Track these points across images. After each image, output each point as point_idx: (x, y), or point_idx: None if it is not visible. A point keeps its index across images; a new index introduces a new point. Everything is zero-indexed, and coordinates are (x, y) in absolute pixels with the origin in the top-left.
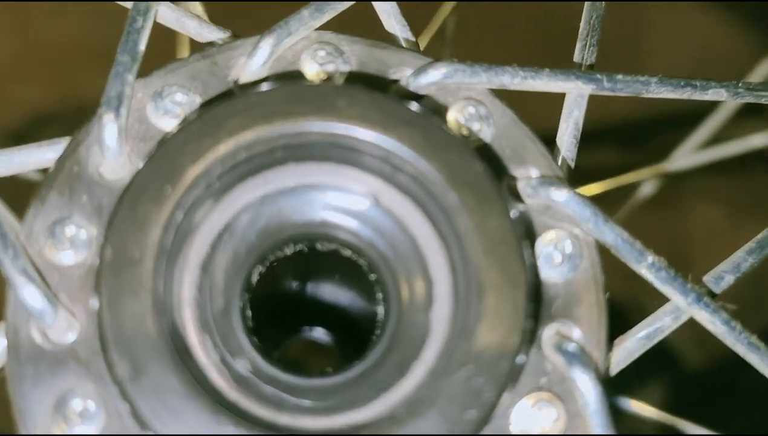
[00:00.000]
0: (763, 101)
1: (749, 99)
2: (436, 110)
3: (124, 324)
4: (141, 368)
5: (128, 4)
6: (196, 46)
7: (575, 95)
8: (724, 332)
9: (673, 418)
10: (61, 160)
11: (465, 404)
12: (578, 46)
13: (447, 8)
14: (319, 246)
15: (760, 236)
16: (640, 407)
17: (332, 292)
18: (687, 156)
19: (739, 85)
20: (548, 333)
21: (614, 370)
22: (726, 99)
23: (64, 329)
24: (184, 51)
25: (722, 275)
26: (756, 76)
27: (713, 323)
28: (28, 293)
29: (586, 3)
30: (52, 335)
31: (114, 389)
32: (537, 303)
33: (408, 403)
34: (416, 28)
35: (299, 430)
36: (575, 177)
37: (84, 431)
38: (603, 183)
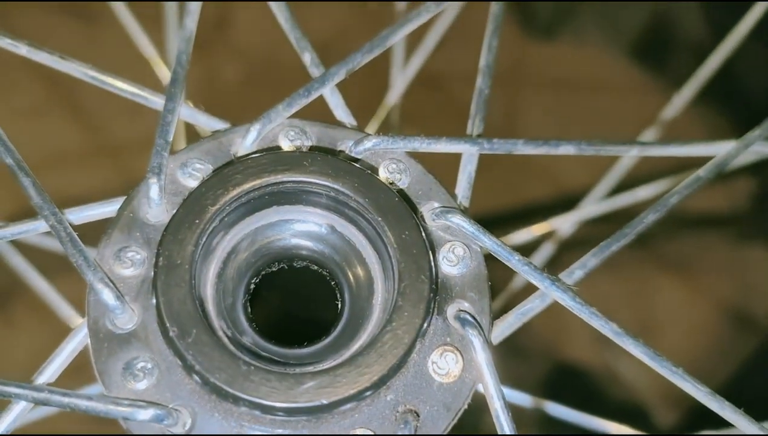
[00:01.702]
0: (601, 153)
1: (590, 152)
2: (370, 167)
3: (173, 304)
4: (186, 331)
5: (160, 106)
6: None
7: (467, 155)
8: (572, 305)
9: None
10: (121, 210)
11: (393, 345)
12: (470, 122)
13: (391, 102)
14: (295, 263)
15: (602, 243)
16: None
17: (306, 294)
18: (594, 204)
19: (582, 143)
20: (451, 309)
21: (500, 337)
22: (573, 153)
23: (128, 319)
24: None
25: (573, 271)
26: (659, 122)
27: (564, 299)
28: (106, 295)
29: (475, 91)
30: (119, 323)
31: (164, 354)
32: (441, 290)
33: (355, 352)
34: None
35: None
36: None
37: (146, 383)
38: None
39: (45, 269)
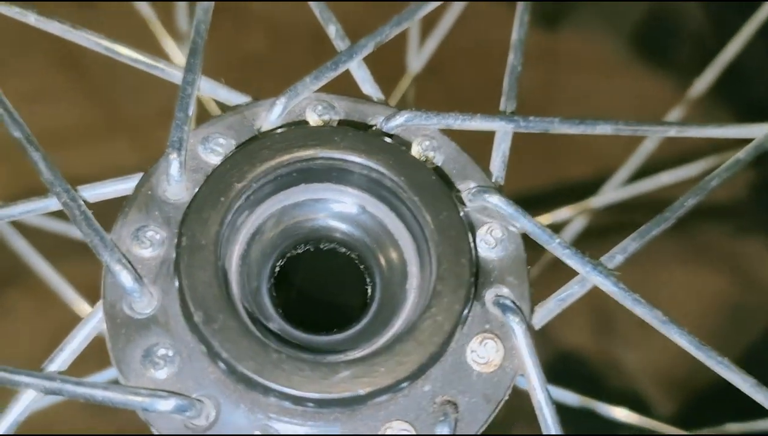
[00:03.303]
0: (638, 134)
1: (627, 132)
2: (403, 144)
3: (198, 288)
4: (212, 316)
5: (179, 78)
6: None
7: (501, 132)
8: (615, 292)
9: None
10: (138, 187)
11: (432, 332)
12: (503, 99)
13: (407, 80)
14: (322, 246)
15: (642, 227)
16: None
17: (333, 278)
18: (611, 192)
19: (619, 122)
20: (489, 295)
21: (540, 323)
22: (610, 133)
23: (146, 303)
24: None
25: (614, 256)
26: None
27: (606, 285)
28: (123, 276)
29: (507, 68)
30: (138, 307)
31: (187, 340)
32: (479, 274)
33: (391, 340)
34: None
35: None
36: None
37: (167, 371)
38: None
39: (48, 254)
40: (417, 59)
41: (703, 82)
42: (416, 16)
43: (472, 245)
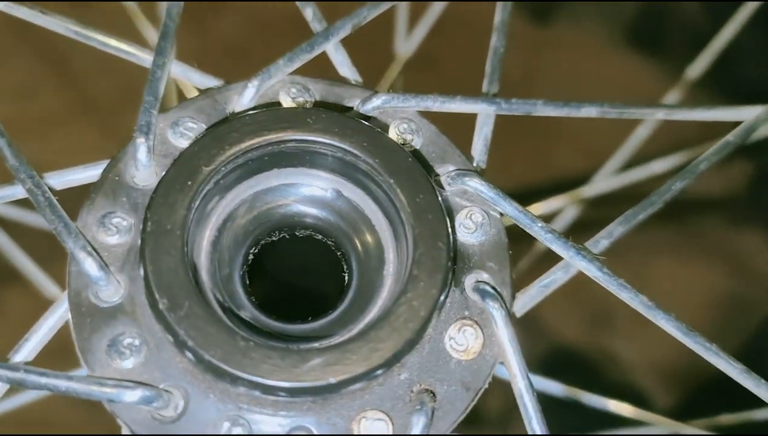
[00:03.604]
0: (624, 117)
1: (613, 115)
2: (380, 127)
3: (163, 273)
4: (178, 303)
5: (149, 60)
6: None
7: (483, 115)
8: (599, 276)
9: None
10: (105, 173)
11: (408, 318)
12: (485, 81)
13: (396, 67)
14: (297, 232)
15: (628, 212)
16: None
17: (309, 265)
18: (604, 181)
19: (605, 104)
20: (469, 280)
21: (522, 310)
22: (595, 115)
23: (113, 292)
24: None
25: (599, 240)
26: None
27: (590, 270)
28: (88, 264)
29: (490, 50)
30: (104, 296)
31: (153, 329)
32: (458, 259)
33: (366, 326)
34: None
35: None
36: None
37: (133, 361)
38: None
39: (29, 248)
40: (405, 45)
41: (696, 68)
42: None
43: (450, 229)
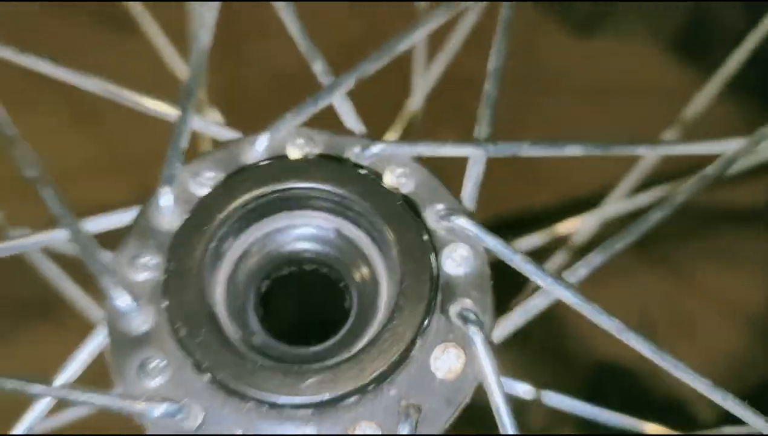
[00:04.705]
0: (609, 154)
1: (597, 153)
2: (376, 173)
3: (183, 306)
4: (195, 332)
5: (173, 118)
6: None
7: (473, 158)
8: (575, 302)
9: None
10: (136, 219)
11: (393, 342)
12: (477, 126)
13: (413, 106)
14: (305, 267)
15: (606, 241)
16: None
17: (316, 296)
18: (617, 203)
19: (589, 143)
20: (453, 308)
21: (503, 333)
22: (580, 154)
23: (142, 321)
24: (207, 145)
25: (577, 268)
26: (691, 110)
27: (568, 297)
28: (121, 300)
29: (483, 94)
30: (134, 325)
31: (175, 353)
32: (445, 289)
33: (358, 350)
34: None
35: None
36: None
37: (159, 380)
38: (541, 233)
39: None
40: (423, 81)
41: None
42: (396, 51)
43: (434, 263)
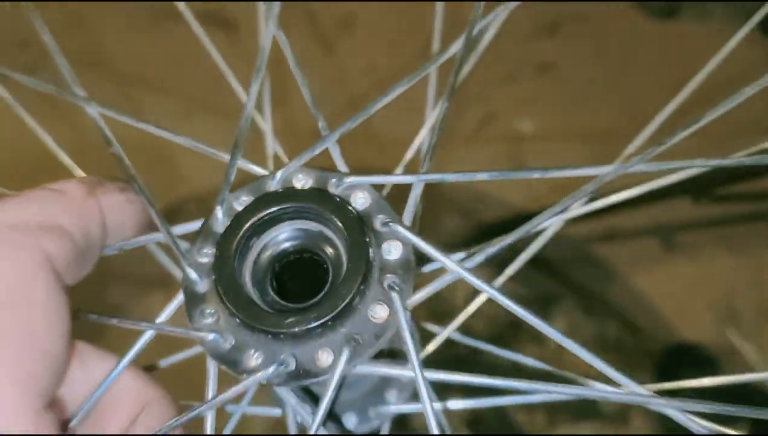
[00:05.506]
0: (510, 178)
1: (501, 178)
2: (346, 197)
3: (223, 279)
4: (230, 293)
5: (226, 159)
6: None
7: (412, 184)
8: (470, 280)
9: None
10: (202, 226)
11: (338, 299)
12: (422, 159)
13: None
14: (303, 255)
15: (498, 238)
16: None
17: (309, 272)
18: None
19: (494, 171)
20: (385, 281)
21: (417, 301)
22: (487, 179)
23: (203, 287)
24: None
25: (474, 253)
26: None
27: (465, 275)
28: (191, 274)
29: (429, 130)
30: (198, 289)
31: (220, 306)
32: (382, 269)
33: (317, 302)
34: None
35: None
36: None
37: (210, 321)
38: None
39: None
40: (433, 114)
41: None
42: (373, 110)
43: (370, 251)
